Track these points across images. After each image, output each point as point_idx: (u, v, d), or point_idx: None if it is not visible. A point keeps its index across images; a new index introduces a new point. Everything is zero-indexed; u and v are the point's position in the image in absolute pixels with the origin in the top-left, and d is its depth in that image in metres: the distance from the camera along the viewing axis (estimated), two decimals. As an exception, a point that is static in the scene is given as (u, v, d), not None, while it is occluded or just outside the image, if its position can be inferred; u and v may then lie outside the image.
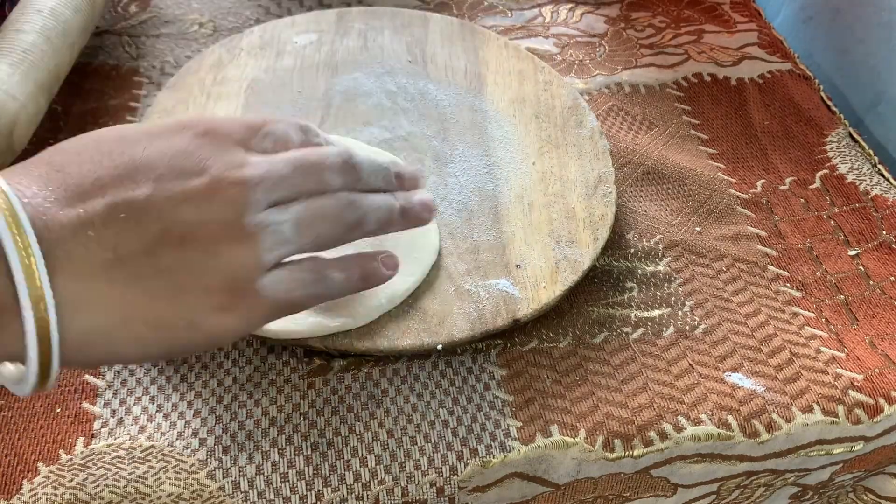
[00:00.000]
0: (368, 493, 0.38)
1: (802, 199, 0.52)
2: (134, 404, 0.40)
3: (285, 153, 0.34)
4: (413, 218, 0.39)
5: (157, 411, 0.40)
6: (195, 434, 0.39)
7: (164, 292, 0.29)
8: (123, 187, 0.29)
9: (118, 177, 0.30)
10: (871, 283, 0.47)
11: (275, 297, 0.32)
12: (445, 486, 0.39)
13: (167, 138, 0.31)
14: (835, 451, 0.42)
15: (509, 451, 0.39)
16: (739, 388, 0.42)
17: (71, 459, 0.38)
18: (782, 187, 0.53)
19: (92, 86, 0.54)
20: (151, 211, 0.29)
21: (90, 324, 0.29)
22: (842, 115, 0.58)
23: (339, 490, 0.38)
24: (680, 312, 0.45)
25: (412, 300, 0.42)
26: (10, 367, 0.30)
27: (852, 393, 0.42)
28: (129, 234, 0.29)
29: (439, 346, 0.41)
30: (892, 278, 0.48)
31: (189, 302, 0.30)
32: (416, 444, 0.39)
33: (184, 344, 0.31)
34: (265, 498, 0.38)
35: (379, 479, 0.38)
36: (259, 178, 0.32)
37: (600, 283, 0.46)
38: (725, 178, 0.53)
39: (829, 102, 0.59)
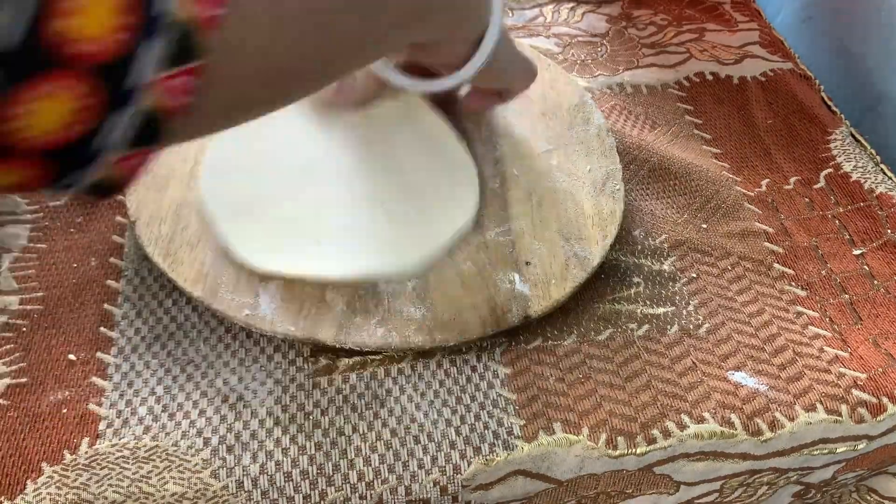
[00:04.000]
0: (372, 492, 0.38)
1: (807, 199, 0.52)
2: (139, 405, 0.40)
3: None
4: None
5: (162, 411, 0.40)
6: (199, 433, 0.39)
7: None
8: None
9: None
10: (875, 282, 0.47)
11: None
12: (449, 485, 0.39)
13: None
14: (838, 450, 0.42)
15: (513, 450, 0.39)
16: (743, 386, 0.42)
17: (75, 460, 0.38)
18: (787, 187, 0.53)
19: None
20: None
21: None
22: (842, 116, 0.58)
23: (342, 489, 0.38)
24: (684, 311, 0.45)
25: (423, 298, 0.42)
26: None
27: (855, 392, 0.42)
28: None
29: (450, 343, 0.41)
30: None
31: None
32: (420, 442, 0.39)
33: None
34: (269, 497, 0.37)
35: (382, 478, 0.38)
36: None
37: (607, 278, 0.46)
38: (731, 177, 0.53)
39: (829, 103, 0.59)
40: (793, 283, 0.47)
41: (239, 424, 0.39)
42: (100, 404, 0.40)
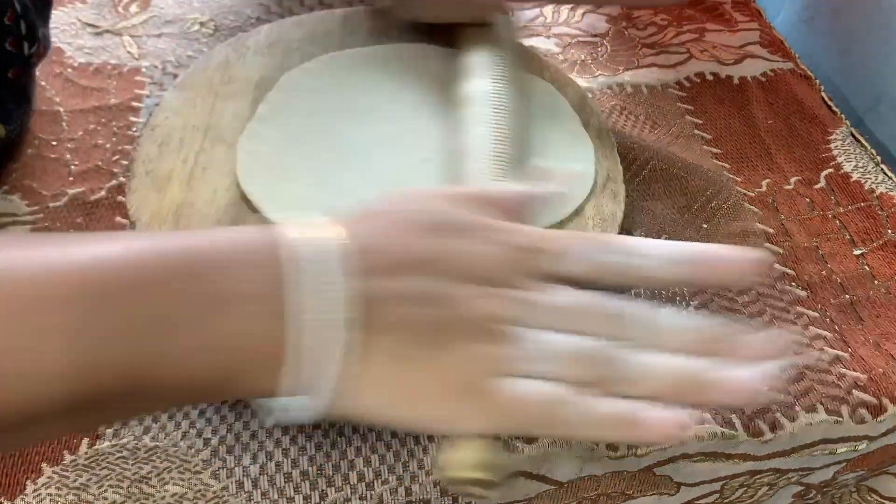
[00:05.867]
0: (372, 492, 0.38)
1: (807, 199, 0.52)
2: (138, 404, 0.40)
3: (579, 294, 0.31)
4: (714, 400, 0.30)
5: (162, 412, 0.40)
6: (199, 434, 0.39)
7: (418, 375, 0.29)
8: (429, 275, 0.30)
9: (427, 262, 0.30)
10: (876, 282, 0.47)
11: (508, 399, 0.29)
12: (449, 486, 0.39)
13: (480, 239, 0.31)
14: (838, 451, 0.42)
15: (513, 451, 0.39)
16: (743, 387, 0.42)
17: (75, 460, 0.38)
18: (787, 187, 0.53)
19: (94, 85, 0.54)
20: (442, 301, 0.30)
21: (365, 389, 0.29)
22: (842, 116, 0.58)
23: (342, 490, 0.38)
24: (684, 312, 0.45)
25: None
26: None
27: (856, 392, 0.42)
28: (418, 317, 0.29)
29: None
30: (897, 278, 0.48)
31: (431, 387, 0.29)
32: (420, 443, 0.39)
33: (428, 424, 0.31)
34: (269, 498, 0.37)
35: (383, 478, 0.38)
36: (543, 307, 0.30)
37: (606, 280, 0.46)
38: (731, 177, 0.53)
39: (829, 103, 0.59)
40: (793, 284, 0.47)
41: (239, 425, 0.39)
42: (99, 405, 0.40)
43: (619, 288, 0.32)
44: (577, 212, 0.46)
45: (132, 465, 0.38)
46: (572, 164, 0.48)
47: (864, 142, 0.56)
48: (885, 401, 0.42)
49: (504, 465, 0.29)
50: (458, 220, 0.32)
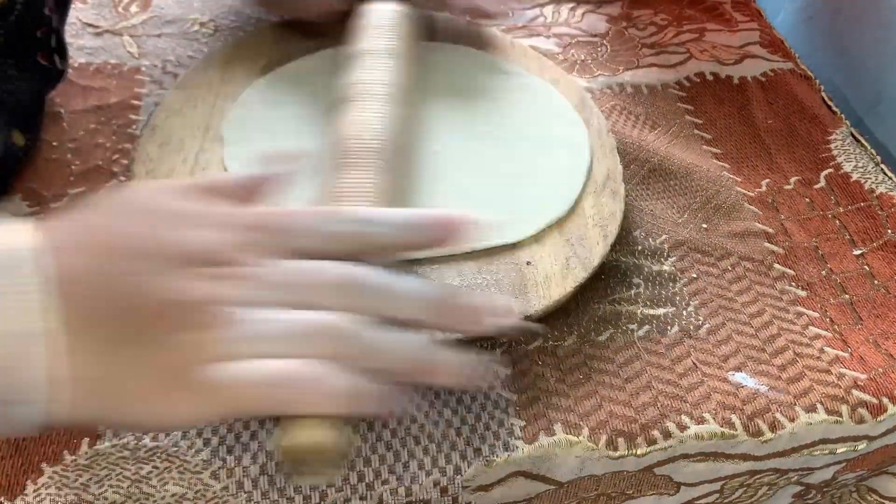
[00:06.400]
0: (372, 492, 0.38)
1: (807, 199, 0.52)
2: (138, 404, 0.40)
3: (309, 264, 0.31)
4: (451, 380, 0.31)
5: None
6: (199, 434, 0.39)
7: (126, 371, 0.28)
8: (133, 266, 0.29)
9: (132, 252, 0.29)
10: (875, 282, 0.47)
11: (220, 385, 0.28)
12: (449, 486, 0.39)
13: (197, 224, 0.30)
14: (838, 451, 0.42)
15: (513, 451, 0.39)
16: (743, 387, 0.42)
17: (75, 460, 0.38)
18: (787, 187, 0.53)
19: (94, 85, 0.54)
20: (147, 291, 0.29)
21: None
22: (842, 116, 0.58)
23: (342, 490, 0.38)
24: (684, 312, 0.45)
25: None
26: None
27: (856, 392, 0.42)
28: (120, 311, 0.28)
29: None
30: (896, 277, 0.48)
31: (139, 383, 0.28)
32: (420, 443, 0.39)
33: (142, 422, 0.30)
34: (269, 498, 0.38)
35: (383, 478, 0.38)
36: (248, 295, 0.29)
37: (607, 279, 0.46)
38: (731, 177, 0.53)
39: (829, 103, 0.59)
40: (793, 284, 0.47)
41: (238, 425, 0.39)
42: (100, 405, 0.40)
43: (357, 259, 0.31)
44: (576, 209, 0.46)
45: (132, 465, 0.38)
46: (567, 160, 0.49)
47: (863, 142, 0.56)
48: (885, 400, 0.42)
49: (345, 442, 0.28)
50: (172, 208, 0.31)
